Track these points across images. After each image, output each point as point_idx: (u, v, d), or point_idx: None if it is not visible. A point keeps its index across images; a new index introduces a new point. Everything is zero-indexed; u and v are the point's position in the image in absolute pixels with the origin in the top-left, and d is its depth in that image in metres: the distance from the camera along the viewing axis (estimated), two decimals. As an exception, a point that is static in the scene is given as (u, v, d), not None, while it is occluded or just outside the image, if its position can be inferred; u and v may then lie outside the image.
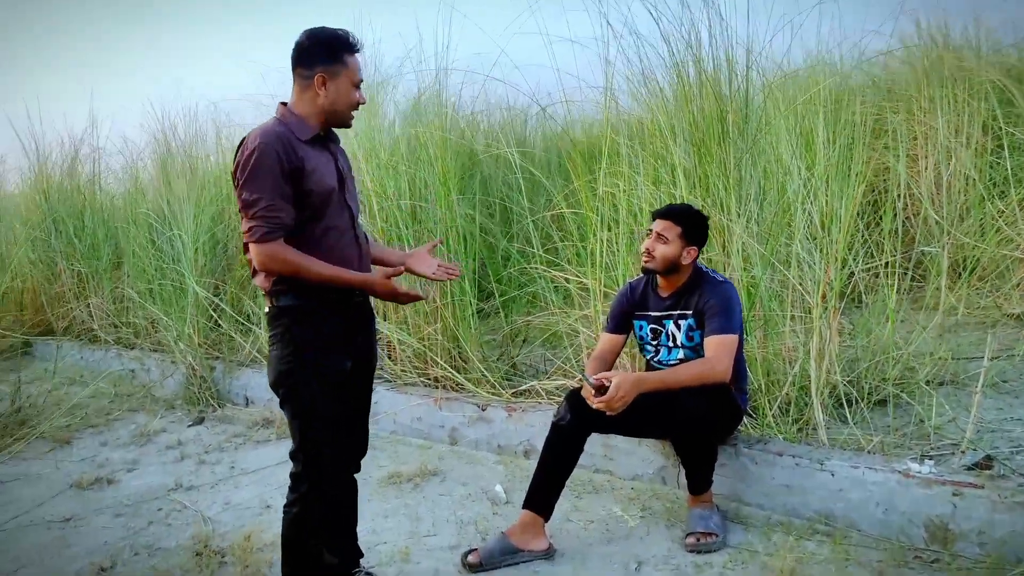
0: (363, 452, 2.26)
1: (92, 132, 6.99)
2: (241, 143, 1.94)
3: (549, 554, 2.51)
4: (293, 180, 1.91)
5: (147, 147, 6.73)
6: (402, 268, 2.12)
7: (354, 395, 2.15)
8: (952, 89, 4.89)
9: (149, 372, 5.33)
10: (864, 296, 3.98)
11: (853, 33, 4.47)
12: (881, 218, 4.27)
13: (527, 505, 2.53)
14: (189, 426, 4.38)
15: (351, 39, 2.02)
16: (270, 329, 2.01)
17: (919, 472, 2.39)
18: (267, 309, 2.03)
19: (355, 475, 2.27)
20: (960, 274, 4.26)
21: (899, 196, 4.64)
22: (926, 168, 5.08)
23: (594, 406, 2.34)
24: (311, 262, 1.93)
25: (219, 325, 5.14)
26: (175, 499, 3.27)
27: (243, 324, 5.12)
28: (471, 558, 2.46)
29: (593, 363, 2.75)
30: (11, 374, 5.31)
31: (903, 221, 4.65)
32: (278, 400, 2.03)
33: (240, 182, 1.91)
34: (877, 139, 4.90)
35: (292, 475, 2.06)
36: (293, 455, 2.05)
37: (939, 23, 5.49)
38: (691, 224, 2.62)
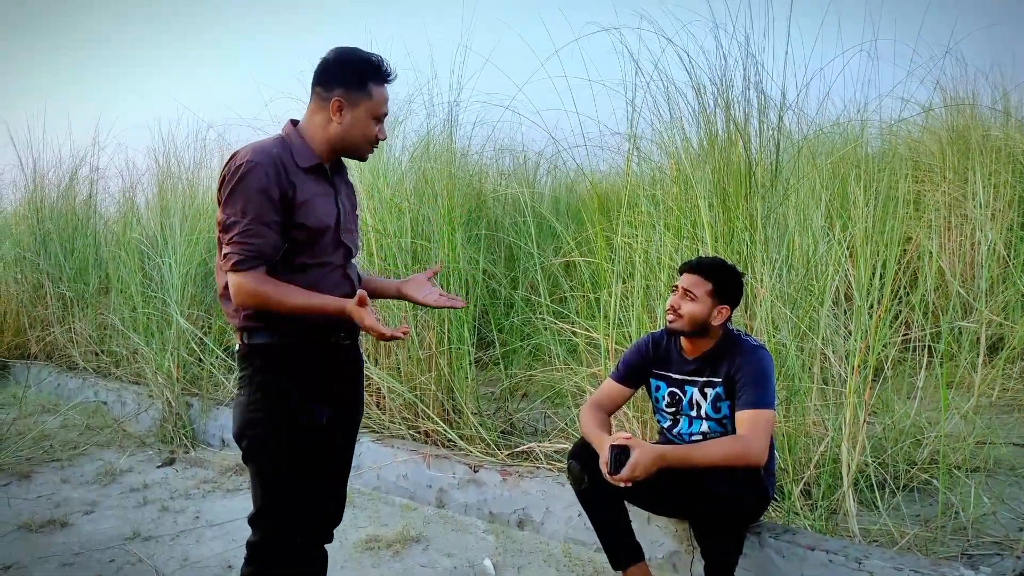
0: (337, 521, 1.96)
1: (93, 152, 6.83)
2: (232, 157, 1.70)
3: None
4: (282, 209, 1.67)
5: (148, 171, 6.54)
6: (394, 289, 1.88)
7: (332, 453, 1.86)
8: (979, 159, 4.71)
9: (124, 405, 5.03)
10: (887, 370, 3.72)
11: (873, 99, 4.30)
12: (900, 289, 4.04)
13: (620, 567, 2.35)
14: (158, 467, 4.08)
15: (384, 67, 1.79)
16: (239, 370, 1.75)
17: (972, 580, 2.09)
18: (237, 347, 1.76)
19: (327, 545, 1.97)
20: (984, 352, 4.01)
21: (925, 268, 4.42)
22: (948, 240, 4.89)
23: (608, 479, 2.09)
24: (285, 292, 1.65)
25: (201, 360, 4.86)
26: (131, 550, 2.98)
27: (227, 361, 4.82)
28: None
29: (591, 411, 2.42)
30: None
31: (931, 293, 4.42)
32: (241, 453, 1.75)
33: (222, 200, 1.67)
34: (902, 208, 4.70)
35: (249, 544, 1.76)
36: (252, 520, 1.76)
37: (967, 93, 5.37)
38: (723, 280, 2.32)
